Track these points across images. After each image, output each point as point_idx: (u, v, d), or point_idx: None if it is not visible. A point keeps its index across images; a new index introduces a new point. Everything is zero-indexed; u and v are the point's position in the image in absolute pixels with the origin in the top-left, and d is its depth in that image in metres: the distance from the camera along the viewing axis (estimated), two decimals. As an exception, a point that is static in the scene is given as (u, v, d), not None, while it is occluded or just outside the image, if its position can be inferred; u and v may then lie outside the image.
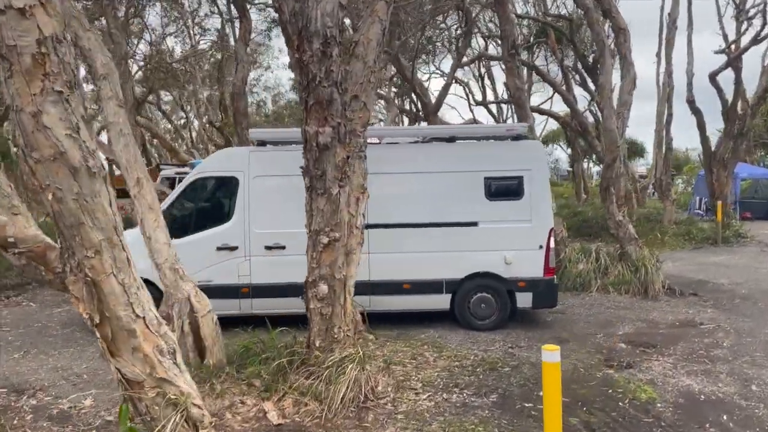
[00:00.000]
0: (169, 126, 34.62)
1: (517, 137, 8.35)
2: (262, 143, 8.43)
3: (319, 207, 5.32)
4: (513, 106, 10.90)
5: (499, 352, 7.21)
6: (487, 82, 28.08)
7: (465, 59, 23.17)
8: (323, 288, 5.43)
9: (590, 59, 19.04)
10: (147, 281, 8.10)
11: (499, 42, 22.10)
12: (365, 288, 8.13)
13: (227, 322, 8.03)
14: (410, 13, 12.93)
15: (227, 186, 8.35)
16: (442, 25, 15.39)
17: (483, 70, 28.33)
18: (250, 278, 8.20)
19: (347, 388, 5.18)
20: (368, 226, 7.95)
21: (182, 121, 35.45)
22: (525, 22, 23.11)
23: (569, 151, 33.66)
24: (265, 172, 8.20)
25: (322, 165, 5.23)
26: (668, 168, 19.99)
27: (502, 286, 8.16)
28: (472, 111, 28.52)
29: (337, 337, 5.58)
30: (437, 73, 28.27)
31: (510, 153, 8.26)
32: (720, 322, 8.52)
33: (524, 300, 8.19)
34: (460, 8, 12.80)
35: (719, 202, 17.44)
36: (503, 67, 10.81)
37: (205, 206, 8.52)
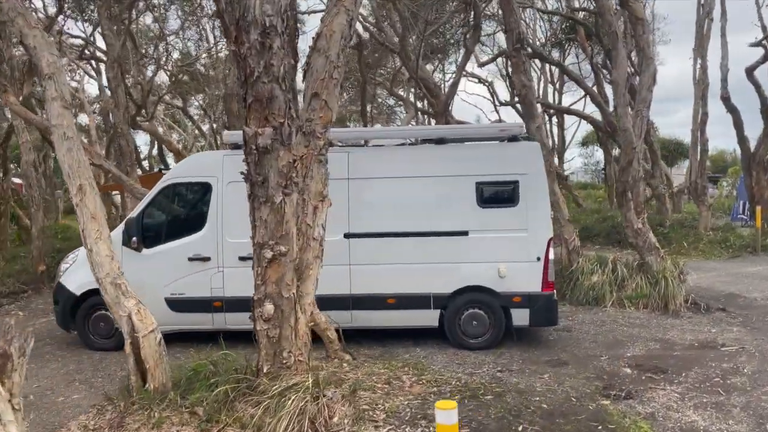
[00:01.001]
0: (197, 132, 34.75)
1: (512, 138, 7.69)
2: (236, 146, 7.99)
3: (261, 217, 4.82)
4: (520, 106, 10.17)
5: (485, 376, 6.57)
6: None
7: (485, 57, 22.49)
8: (269, 308, 4.92)
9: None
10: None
11: (527, 38, 21.41)
12: (346, 302, 7.62)
13: (206, 338, 7.65)
14: (417, 8, 12.40)
15: (200, 192, 7.95)
16: (452, 21, 14.73)
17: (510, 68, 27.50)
18: (224, 291, 7.77)
19: (289, 421, 4.65)
20: (349, 236, 7.46)
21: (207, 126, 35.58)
22: (554, 18, 22.27)
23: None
24: (239, 178, 7.74)
25: (263, 170, 4.73)
26: (703, 171, 18.86)
27: (495, 302, 7.52)
28: (497, 111, 27.60)
29: (286, 363, 5.06)
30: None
31: (504, 155, 7.62)
32: (745, 344, 7.68)
33: (520, 317, 7.52)
34: (468, 1, 12.17)
35: (759, 207, 16.29)
36: (510, 62, 10.13)
37: (177, 214, 8.13)
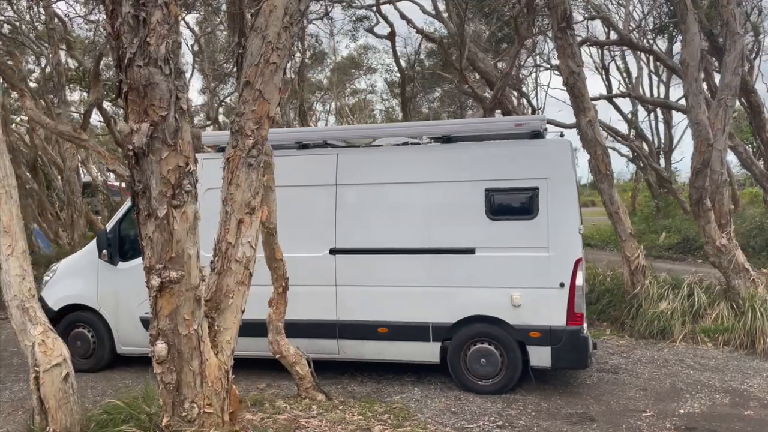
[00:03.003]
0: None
1: (535, 135, 6.34)
2: (220, 149, 7.22)
3: (147, 235, 3.94)
4: (569, 96, 8.68)
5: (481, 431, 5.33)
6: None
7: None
8: (161, 348, 4.03)
9: (720, 38, 15.69)
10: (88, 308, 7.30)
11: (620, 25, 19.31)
12: (331, 330, 6.64)
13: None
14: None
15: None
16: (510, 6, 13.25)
17: (608, 58, 25.23)
18: (201, 311, 6.99)
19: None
20: (335, 251, 6.47)
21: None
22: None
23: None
24: (219, 184, 6.97)
25: (144, 177, 3.84)
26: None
27: (508, 336, 6.21)
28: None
29: (187, 416, 4.14)
30: (544, 66, 25.58)
31: (521, 156, 6.29)
32: None
33: (540, 356, 6.16)
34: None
35: None
36: (556, 44, 8.66)
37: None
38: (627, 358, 7.57)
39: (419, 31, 14.92)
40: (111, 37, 3.83)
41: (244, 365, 7.13)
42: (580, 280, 6.03)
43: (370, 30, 17.65)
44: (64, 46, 15.95)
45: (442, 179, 6.41)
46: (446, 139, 6.61)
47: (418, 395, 6.32)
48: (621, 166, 61.38)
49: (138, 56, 3.72)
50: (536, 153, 6.25)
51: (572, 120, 9.85)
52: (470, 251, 6.27)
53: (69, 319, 7.46)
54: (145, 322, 7.17)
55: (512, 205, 6.24)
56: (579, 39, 20.26)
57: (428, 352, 6.44)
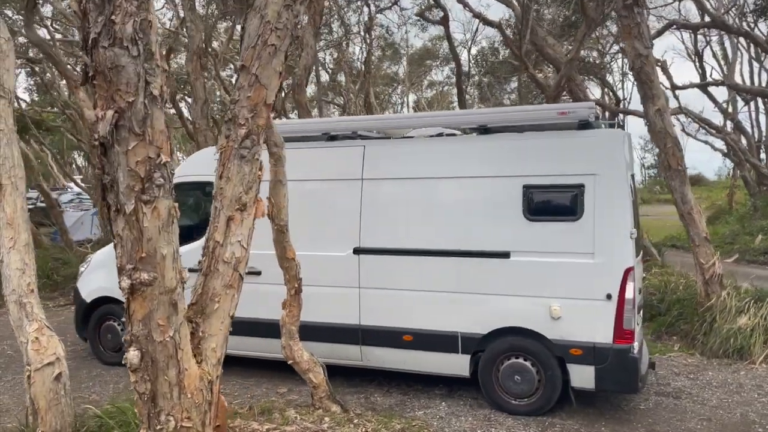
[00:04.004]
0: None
1: (583, 125, 5.62)
2: None
3: (117, 232, 3.65)
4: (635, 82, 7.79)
5: (503, 462, 4.75)
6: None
7: (651, 30, 19.06)
8: (133, 355, 3.74)
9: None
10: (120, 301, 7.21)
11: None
12: (354, 335, 6.23)
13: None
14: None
15: (201, 194, 7.05)
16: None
17: (703, 42, 23.35)
18: (223, 309, 6.77)
19: None
20: (359, 251, 6.06)
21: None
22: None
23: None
24: None
25: (112, 169, 3.55)
26: None
27: (546, 352, 5.56)
28: (676, 97, 23.35)
29: (164, 429, 3.85)
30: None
31: (565, 149, 5.60)
32: None
33: (582, 377, 5.47)
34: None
35: None
36: (621, 24, 7.79)
37: (180, 219, 7.30)
38: (694, 380, 6.69)
39: (476, 15, 14.17)
40: (77, 16, 3.55)
41: (267, 367, 6.91)
42: (630, 292, 5.28)
43: (421, 15, 17.01)
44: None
45: (476, 174, 5.82)
46: (483, 130, 6.01)
47: (444, 412, 5.80)
48: (719, 163, 57.36)
49: (103, 36, 3.41)
50: (583, 145, 5.53)
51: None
52: (505, 255, 5.66)
53: (101, 312, 7.45)
54: (171, 318, 7.05)
55: (553, 204, 5.57)
56: (666, 21, 18.85)
57: (457, 364, 5.90)
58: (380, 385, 6.56)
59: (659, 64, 21.70)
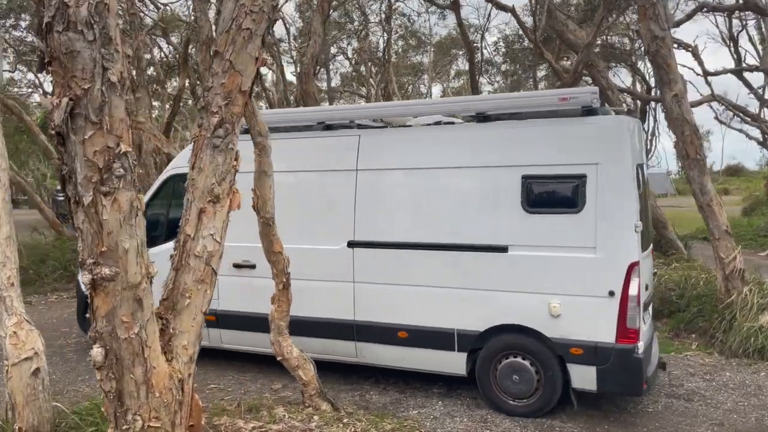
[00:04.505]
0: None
1: (586, 111, 5.32)
2: (245, 130, 6.80)
3: (78, 225, 3.53)
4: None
5: (494, 467, 4.54)
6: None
7: (680, 14, 18.41)
8: (96, 353, 3.62)
9: None
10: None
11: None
12: (348, 331, 6.07)
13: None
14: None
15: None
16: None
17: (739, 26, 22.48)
18: (218, 303, 6.68)
19: None
20: (353, 244, 5.89)
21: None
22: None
23: None
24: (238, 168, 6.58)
25: (69, 159, 3.42)
26: None
27: (545, 351, 5.31)
28: (709, 84, 22.49)
29: (131, 429, 3.73)
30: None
31: (566, 137, 5.31)
32: None
33: (583, 378, 5.21)
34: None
35: None
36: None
37: (178, 211, 7.21)
38: (709, 381, 6.36)
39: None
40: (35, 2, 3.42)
41: (264, 362, 6.79)
42: (634, 289, 4.99)
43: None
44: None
45: (473, 164, 5.58)
46: (483, 118, 5.75)
47: (439, 412, 5.60)
48: (756, 152, 55.55)
49: (57, 20, 3.28)
50: (585, 133, 5.24)
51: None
52: (502, 249, 5.41)
53: (99, 305, 7.42)
54: (168, 312, 6.98)
55: (553, 195, 5.30)
56: (695, 5, 18.14)
57: (453, 362, 5.68)
58: (377, 383, 6.38)
59: (690, 49, 20.96)
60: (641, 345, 5.08)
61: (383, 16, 21.21)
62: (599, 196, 5.09)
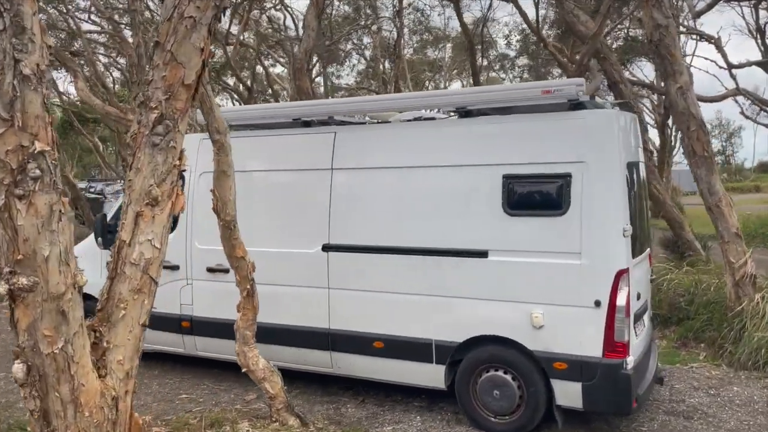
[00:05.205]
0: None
1: (573, 105, 4.94)
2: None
3: (-7, 231, 3.27)
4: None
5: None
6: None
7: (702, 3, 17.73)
8: (17, 368, 3.38)
9: None
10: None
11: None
12: (323, 340, 5.77)
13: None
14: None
15: (173, 185, 6.67)
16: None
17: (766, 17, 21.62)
18: (192, 308, 6.45)
19: None
20: (328, 248, 5.60)
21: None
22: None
23: None
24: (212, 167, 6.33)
25: (-21, 159, 3.16)
26: None
27: (528, 365, 4.95)
28: (734, 77, 21.73)
29: (57, 451, 3.47)
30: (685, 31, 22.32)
31: (550, 133, 4.94)
32: None
33: (568, 394, 4.84)
34: None
35: None
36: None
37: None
38: (714, 396, 5.92)
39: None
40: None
41: (242, 371, 6.51)
42: (622, 299, 4.61)
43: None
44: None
45: (452, 163, 5.23)
46: (465, 113, 5.40)
47: (416, 428, 5.27)
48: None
49: (-38, 9, 3.04)
50: (571, 129, 4.85)
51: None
52: (482, 254, 5.06)
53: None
54: (143, 317, 6.76)
55: (536, 196, 4.93)
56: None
57: (431, 375, 5.35)
58: (356, 395, 6.08)
59: (712, 41, 20.25)
60: (631, 360, 4.69)
61: (394, 10, 20.84)
62: (585, 198, 4.71)
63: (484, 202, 5.05)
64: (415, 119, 5.73)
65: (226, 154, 4.87)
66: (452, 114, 5.63)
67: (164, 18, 3.86)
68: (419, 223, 5.33)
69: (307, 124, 6.12)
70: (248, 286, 5.08)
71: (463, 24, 14.52)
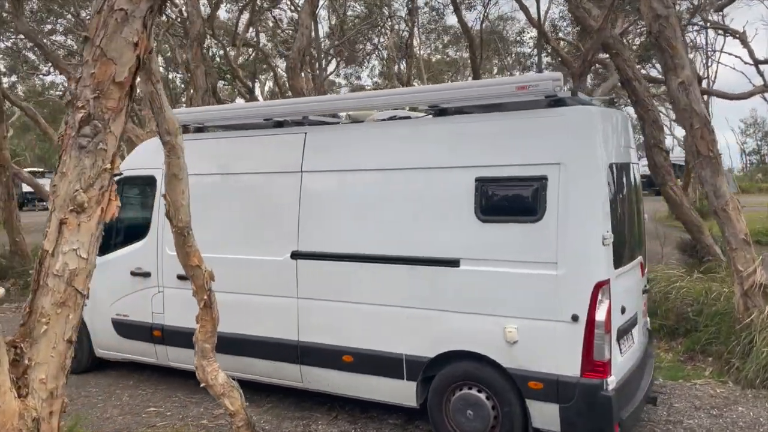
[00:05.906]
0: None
1: (553, 102, 4.58)
2: (184, 128, 6.31)
3: None
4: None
5: None
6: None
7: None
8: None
9: None
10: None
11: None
12: (292, 353, 5.50)
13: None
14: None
15: (147, 189, 6.52)
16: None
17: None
18: (164, 317, 6.24)
19: None
20: (297, 256, 5.34)
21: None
22: None
23: None
24: (196, 170, 6.10)
25: None
26: None
27: (502, 383, 4.60)
28: (761, 74, 20.91)
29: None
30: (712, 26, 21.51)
31: (524, 132, 4.59)
32: None
33: (544, 416, 4.49)
34: None
35: None
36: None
37: (125, 216, 6.78)
38: (715, 418, 5.49)
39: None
40: None
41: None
42: (602, 314, 4.24)
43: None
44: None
45: (424, 165, 4.91)
46: (439, 111, 5.08)
47: (383, 450, 4.95)
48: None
49: None
50: (547, 128, 4.50)
51: None
52: (454, 263, 4.73)
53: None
54: (117, 325, 6.61)
55: (510, 201, 4.58)
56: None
57: (402, 392, 5.03)
58: (331, 410, 5.78)
59: (737, 36, 19.52)
60: (612, 380, 4.31)
61: (407, 9, 20.56)
62: (561, 203, 4.35)
63: (455, 208, 4.72)
64: (390, 119, 5.42)
65: (178, 156, 4.62)
66: (429, 113, 5.31)
67: (94, 11, 3.61)
68: (390, 229, 5.03)
69: (279, 124, 5.87)
70: (205, 297, 4.81)
71: (461, 21, 14.13)
